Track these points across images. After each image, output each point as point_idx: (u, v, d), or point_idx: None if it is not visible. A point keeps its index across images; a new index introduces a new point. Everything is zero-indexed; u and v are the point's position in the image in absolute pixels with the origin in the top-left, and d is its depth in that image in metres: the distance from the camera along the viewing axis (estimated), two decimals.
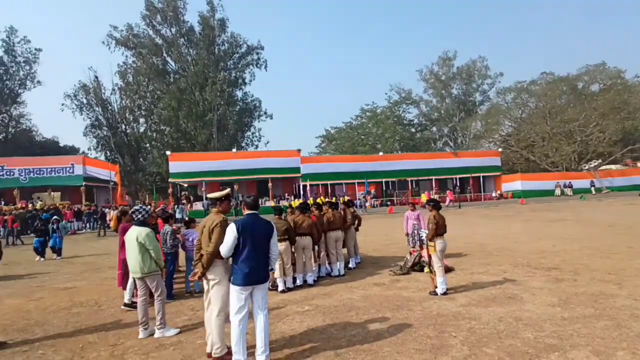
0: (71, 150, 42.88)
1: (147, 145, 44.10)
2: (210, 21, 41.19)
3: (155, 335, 4.44)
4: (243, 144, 45.54)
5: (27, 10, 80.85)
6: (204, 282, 3.83)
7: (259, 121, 46.83)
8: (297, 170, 30.55)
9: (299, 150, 31.91)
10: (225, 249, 3.51)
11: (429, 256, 5.70)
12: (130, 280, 5.69)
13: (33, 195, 25.71)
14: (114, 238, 17.50)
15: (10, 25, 38.64)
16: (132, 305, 5.69)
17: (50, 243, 11.96)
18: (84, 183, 26.42)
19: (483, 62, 51.07)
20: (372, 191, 32.53)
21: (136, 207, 4.57)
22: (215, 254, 3.61)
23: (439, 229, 5.55)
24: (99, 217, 21.21)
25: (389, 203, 31.94)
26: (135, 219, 4.49)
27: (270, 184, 29.64)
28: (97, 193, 29.92)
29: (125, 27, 40.13)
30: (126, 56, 41.12)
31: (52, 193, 26.02)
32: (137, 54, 40.37)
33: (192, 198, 29.95)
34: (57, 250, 11.85)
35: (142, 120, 43.17)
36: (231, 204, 3.99)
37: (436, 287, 5.55)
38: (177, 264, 7.58)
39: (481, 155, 36.77)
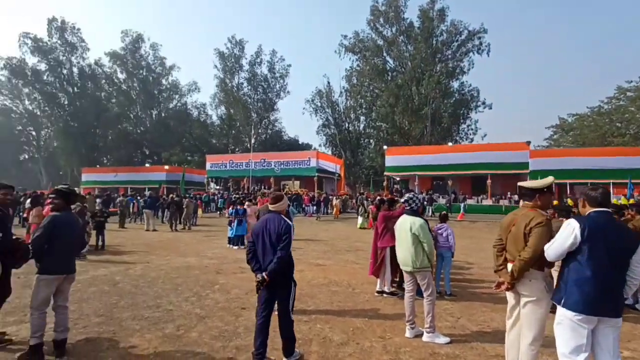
0: (306, 147, 51.87)
1: (364, 141, 48.10)
2: (429, 13, 40.49)
3: (424, 339, 3.96)
4: (457, 138, 42.84)
5: (277, 32, 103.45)
6: (509, 295, 2.98)
7: (475, 112, 42.86)
8: (525, 165, 25.85)
9: (528, 143, 27.07)
10: (555, 252, 2.54)
11: None
12: (387, 269, 5.60)
13: (282, 182, 32.30)
14: (338, 223, 19.64)
15: (273, 49, 50.41)
16: (383, 293, 5.76)
17: None
18: (316, 174, 31.03)
19: None
20: (638, 195, 23.79)
21: (409, 195, 4.20)
22: (533, 262, 2.69)
23: None
24: (315, 203, 24.35)
25: None
26: (408, 207, 4.12)
27: (489, 181, 26.43)
28: (325, 183, 34.67)
29: (353, 34, 44.65)
30: (352, 60, 45.77)
31: (294, 181, 31.95)
32: (361, 57, 44.11)
33: (403, 191, 30.33)
34: None
35: (362, 118, 47.37)
36: (552, 197, 2.94)
37: None
38: None
39: None
